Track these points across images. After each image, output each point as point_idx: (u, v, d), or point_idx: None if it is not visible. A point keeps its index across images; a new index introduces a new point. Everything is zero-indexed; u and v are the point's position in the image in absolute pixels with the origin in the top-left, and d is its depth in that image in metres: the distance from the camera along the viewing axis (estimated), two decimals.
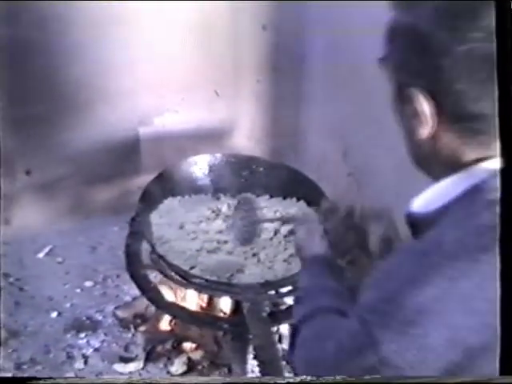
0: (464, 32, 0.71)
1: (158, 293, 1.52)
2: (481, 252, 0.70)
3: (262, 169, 1.75)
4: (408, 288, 0.71)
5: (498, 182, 0.73)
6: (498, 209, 0.72)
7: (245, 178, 1.76)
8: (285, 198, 1.71)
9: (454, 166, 0.79)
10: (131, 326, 1.74)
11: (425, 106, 0.76)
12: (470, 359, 0.71)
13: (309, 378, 0.80)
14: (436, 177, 0.82)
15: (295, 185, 1.70)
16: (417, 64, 0.76)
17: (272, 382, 0.87)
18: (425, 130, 0.78)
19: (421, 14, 0.75)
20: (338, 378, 0.76)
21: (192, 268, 1.45)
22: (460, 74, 0.72)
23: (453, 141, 0.78)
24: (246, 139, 2.10)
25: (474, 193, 0.75)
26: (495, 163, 0.75)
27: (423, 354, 0.71)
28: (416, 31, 0.75)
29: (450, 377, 0.73)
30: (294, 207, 1.66)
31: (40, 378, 0.81)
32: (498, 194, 0.72)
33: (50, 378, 0.88)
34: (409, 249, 0.78)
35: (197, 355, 1.66)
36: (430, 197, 0.81)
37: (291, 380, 0.81)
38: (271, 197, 1.73)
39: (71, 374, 1.60)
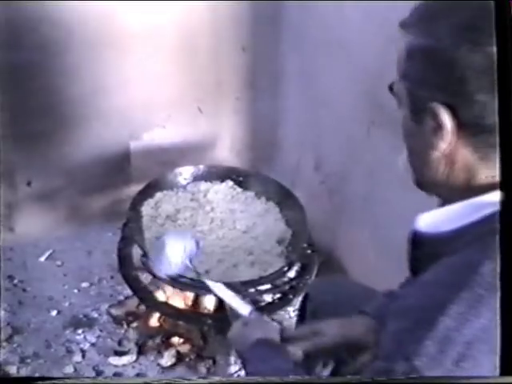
0: (482, 44, 0.70)
1: (148, 292, 1.62)
2: None
3: (240, 178, 1.83)
4: (458, 323, 0.68)
5: None
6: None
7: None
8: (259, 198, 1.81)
9: (468, 186, 0.76)
10: (124, 323, 1.81)
11: (446, 120, 0.74)
12: None
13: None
14: (447, 198, 0.79)
15: (271, 191, 1.80)
16: (437, 79, 0.74)
17: (274, 381, 0.85)
18: (444, 146, 0.75)
19: (436, 33, 0.73)
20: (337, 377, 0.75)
21: None
22: (481, 85, 0.71)
23: (469, 157, 0.75)
24: (227, 151, 2.16)
25: (490, 222, 0.72)
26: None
27: None
28: (434, 49, 0.74)
29: (450, 377, 0.69)
30: (265, 205, 1.78)
31: (42, 378, 0.82)
32: None
33: (51, 377, 0.88)
34: (444, 281, 0.72)
35: (184, 349, 1.74)
36: (440, 217, 0.78)
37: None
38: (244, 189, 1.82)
39: (70, 367, 1.68)
